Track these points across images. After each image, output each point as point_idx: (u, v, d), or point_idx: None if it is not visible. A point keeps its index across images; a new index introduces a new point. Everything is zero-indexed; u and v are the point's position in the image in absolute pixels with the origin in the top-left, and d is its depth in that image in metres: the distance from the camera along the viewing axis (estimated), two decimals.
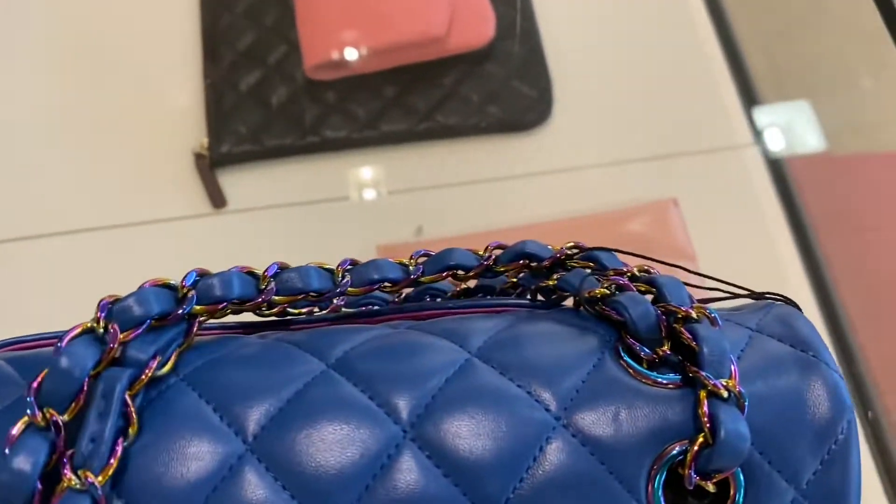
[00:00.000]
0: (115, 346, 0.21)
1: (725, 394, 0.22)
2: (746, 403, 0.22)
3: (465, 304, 0.25)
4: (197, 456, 0.20)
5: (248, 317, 0.25)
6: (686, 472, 0.22)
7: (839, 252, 0.61)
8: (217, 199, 0.59)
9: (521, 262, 0.26)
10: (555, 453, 0.21)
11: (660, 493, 0.22)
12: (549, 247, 0.26)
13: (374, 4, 0.60)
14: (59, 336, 0.21)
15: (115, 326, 0.21)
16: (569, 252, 0.26)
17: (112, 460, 0.19)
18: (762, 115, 0.64)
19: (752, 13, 0.70)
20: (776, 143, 0.63)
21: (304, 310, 0.25)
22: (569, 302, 0.26)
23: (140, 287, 0.22)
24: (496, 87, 0.63)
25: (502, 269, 0.26)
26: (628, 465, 0.22)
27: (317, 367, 0.22)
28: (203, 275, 0.23)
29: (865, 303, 0.60)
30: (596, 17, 0.67)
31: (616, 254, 0.25)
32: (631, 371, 0.23)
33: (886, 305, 0.61)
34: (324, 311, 0.25)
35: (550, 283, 0.26)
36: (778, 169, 0.62)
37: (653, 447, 0.22)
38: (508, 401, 0.21)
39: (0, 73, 0.63)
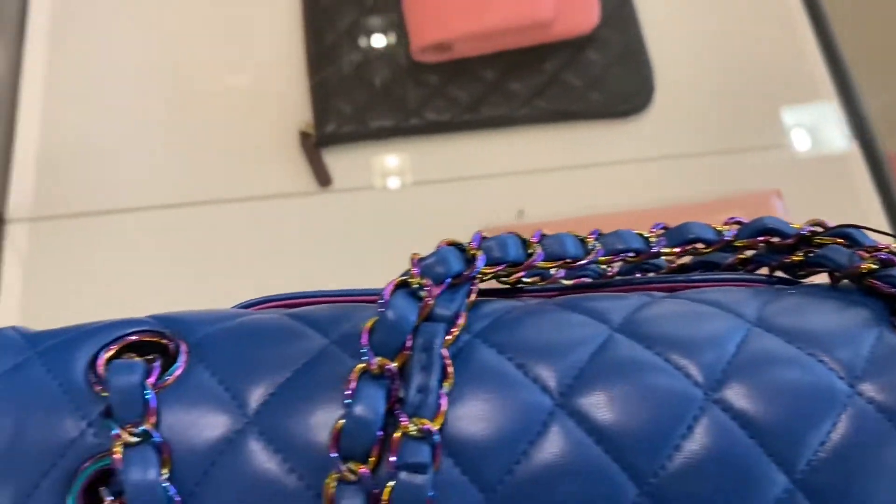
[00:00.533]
0: (431, 301, 0.22)
1: None
2: None
3: (711, 278, 0.26)
4: (507, 406, 0.21)
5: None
6: None
7: None
8: (323, 178, 0.59)
9: (762, 238, 0.26)
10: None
11: None
12: (789, 224, 0.26)
13: None
14: (372, 292, 0.21)
15: (430, 283, 0.22)
16: (813, 229, 0.26)
17: (442, 408, 0.20)
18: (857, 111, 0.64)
19: (850, 10, 0.69)
20: (873, 141, 0.63)
21: (536, 278, 0.25)
22: (819, 278, 0.27)
23: (439, 247, 0.23)
24: (598, 73, 0.63)
25: (741, 244, 0.27)
26: None
27: (604, 331, 0.23)
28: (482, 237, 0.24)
29: None
30: (697, 6, 0.67)
31: (864, 230, 0.26)
32: None
33: None
34: (546, 281, 0.26)
35: (796, 258, 0.26)
36: (879, 167, 0.62)
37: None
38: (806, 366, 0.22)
39: (118, 51, 0.63)
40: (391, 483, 0.20)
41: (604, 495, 0.21)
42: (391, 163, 0.61)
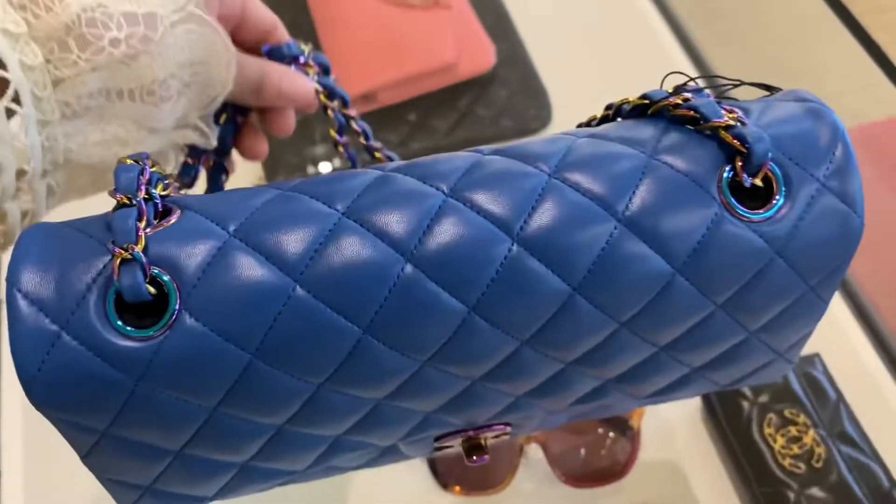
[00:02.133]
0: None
1: (740, 123, 0.31)
2: (767, 136, 0.31)
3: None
4: (423, 200, 0.31)
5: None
6: (741, 176, 0.31)
7: None
8: None
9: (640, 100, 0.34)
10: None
11: (726, 191, 0.31)
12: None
13: (393, 40, 0.72)
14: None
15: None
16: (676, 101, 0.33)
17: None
18: None
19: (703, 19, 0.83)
20: None
21: None
22: None
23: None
24: (503, 104, 0.74)
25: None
26: (704, 179, 0.31)
27: (477, 156, 0.32)
28: None
29: None
30: (577, 38, 0.80)
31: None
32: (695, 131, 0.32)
33: None
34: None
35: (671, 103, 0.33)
36: None
37: (714, 172, 0.31)
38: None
39: None
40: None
41: (487, 241, 0.30)
42: None
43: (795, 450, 0.54)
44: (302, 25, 0.78)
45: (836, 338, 0.62)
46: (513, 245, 0.30)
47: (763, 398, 0.56)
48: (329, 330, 0.29)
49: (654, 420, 0.58)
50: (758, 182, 0.31)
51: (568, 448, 0.58)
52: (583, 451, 0.58)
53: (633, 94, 0.35)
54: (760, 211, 0.31)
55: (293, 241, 0.29)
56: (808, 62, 0.84)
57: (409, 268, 0.30)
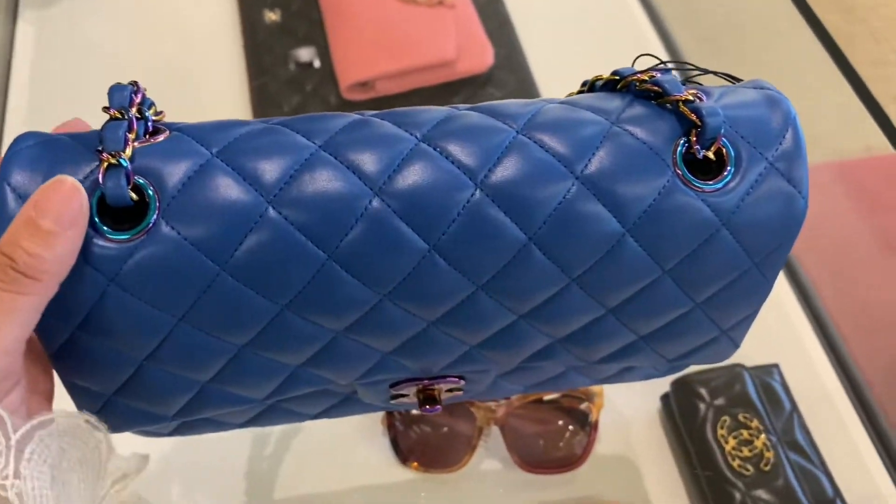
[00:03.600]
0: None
1: (696, 98, 0.33)
2: (721, 112, 0.33)
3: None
4: (396, 141, 0.33)
5: None
6: (695, 148, 0.33)
7: None
8: None
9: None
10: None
11: (680, 161, 0.33)
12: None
13: (396, 34, 0.74)
14: None
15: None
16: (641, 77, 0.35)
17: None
18: None
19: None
20: None
21: None
22: None
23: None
24: None
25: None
26: (660, 148, 0.33)
27: (451, 110, 0.34)
28: None
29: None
30: (577, 50, 0.82)
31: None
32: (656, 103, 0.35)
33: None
34: None
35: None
36: None
37: (670, 143, 0.34)
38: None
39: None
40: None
41: (452, 185, 0.32)
42: None
43: (746, 452, 0.55)
44: (310, 13, 0.80)
45: (797, 351, 0.64)
46: (476, 191, 0.32)
47: (720, 401, 0.57)
48: (295, 251, 0.31)
49: (612, 415, 0.60)
50: (710, 155, 0.33)
51: (527, 435, 0.59)
52: (541, 440, 0.59)
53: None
54: (711, 182, 0.33)
55: (270, 167, 0.31)
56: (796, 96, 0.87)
57: (376, 202, 0.31)
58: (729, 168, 0.33)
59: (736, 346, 0.40)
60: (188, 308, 0.32)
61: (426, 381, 0.39)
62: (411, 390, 0.40)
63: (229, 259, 0.31)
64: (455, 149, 0.32)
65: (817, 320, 0.66)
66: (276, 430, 0.59)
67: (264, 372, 0.35)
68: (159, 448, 0.50)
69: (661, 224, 0.33)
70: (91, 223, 0.30)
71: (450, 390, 0.40)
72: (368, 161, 0.32)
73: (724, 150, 0.33)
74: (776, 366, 0.61)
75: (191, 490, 0.56)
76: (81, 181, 0.30)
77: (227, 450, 0.57)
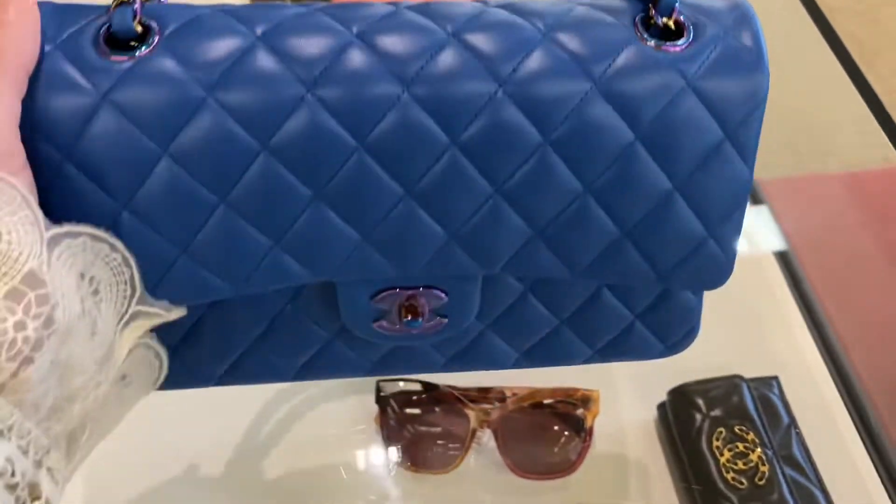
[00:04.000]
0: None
1: None
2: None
3: None
4: (424, 34, 0.35)
5: None
6: (653, 20, 0.35)
7: None
8: None
9: None
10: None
11: (641, 25, 0.35)
12: None
13: None
14: None
15: None
16: None
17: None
18: None
19: None
20: None
21: None
22: None
23: None
24: None
25: None
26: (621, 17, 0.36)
27: (481, 5, 0.36)
28: None
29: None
30: None
31: None
32: None
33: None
34: None
35: None
36: None
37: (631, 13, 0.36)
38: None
39: None
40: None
41: (479, 94, 0.34)
42: None
43: (741, 465, 0.55)
44: None
45: (797, 364, 0.63)
46: (498, 91, 0.34)
47: (716, 412, 0.57)
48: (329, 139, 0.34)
49: (608, 422, 0.59)
50: (670, 24, 0.35)
51: (520, 439, 0.58)
52: (535, 445, 0.59)
53: None
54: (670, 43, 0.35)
55: (310, 45, 0.34)
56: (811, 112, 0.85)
57: (406, 95, 0.34)
58: (688, 32, 0.35)
59: (728, 261, 0.39)
60: (170, 142, 0.33)
61: (409, 293, 0.39)
62: (394, 304, 0.40)
63: (216, 83, 0.33)
64: (482, 44, 0.34)
65: (819, 333, 0.65)
66: (266, 428, 0.59)
67: (244, 243, 0.36)
68: (148, 443, 0.51)
69: (626, 81, 0.35)
70: (93, 45, 0.32)
71: (433, 312, 0.40)
72: (402, 50, 0.34)
73: (681, 21, 0.35)
74: (775, 378, 0.60)
75: (182, 488, 0.56)
76: (91, 21, 0.33)
77: (217, 446, 0.57)
